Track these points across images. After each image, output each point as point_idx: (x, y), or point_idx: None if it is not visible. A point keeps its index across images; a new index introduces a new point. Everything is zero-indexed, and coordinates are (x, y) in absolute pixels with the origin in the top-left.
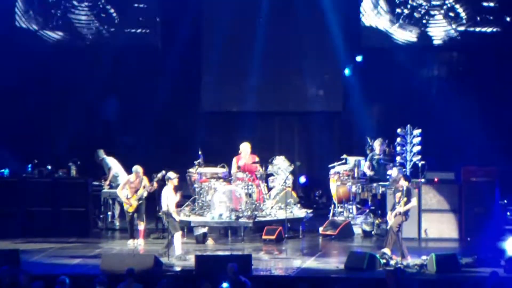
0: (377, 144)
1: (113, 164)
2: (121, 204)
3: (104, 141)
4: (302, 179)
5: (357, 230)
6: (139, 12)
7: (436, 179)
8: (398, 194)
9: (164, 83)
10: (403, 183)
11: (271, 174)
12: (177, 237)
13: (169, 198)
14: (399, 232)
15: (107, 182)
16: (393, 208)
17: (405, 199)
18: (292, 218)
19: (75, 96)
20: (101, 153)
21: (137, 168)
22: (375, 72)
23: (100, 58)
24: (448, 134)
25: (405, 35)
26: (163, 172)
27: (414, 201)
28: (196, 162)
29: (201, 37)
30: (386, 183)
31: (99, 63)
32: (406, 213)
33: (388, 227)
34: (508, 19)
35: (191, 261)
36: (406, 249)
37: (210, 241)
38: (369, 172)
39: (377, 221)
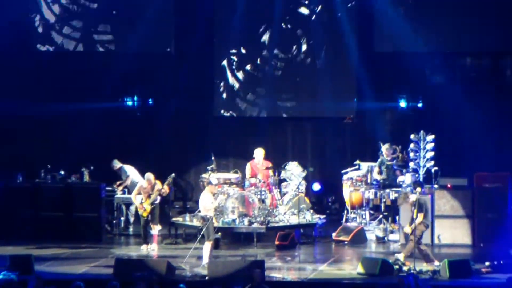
0: (385, 149)
1: (131, 172)
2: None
3: (116, 145)
4: (317, 187)
5: (370, 236)
6: (153, 16)
7: (449, 185)
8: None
9: (177, 87)
10: (412, 198)
11: (284, 180)
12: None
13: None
14: (421, 239)
15: (121, 188)
16: (412, 222)
17: (422, 213)
18: (305, 223)
19: (89, 101)
20: (117, 163)
21: (149, 175)
22: (388, 77)
23: (114, 63)
24: (461, 140)
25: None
26: (173, 175)
27: (420, 216)
28: (209, 168)
29: (214, 41)
30: (398, 188)
31: (113, 68)
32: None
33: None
34: None
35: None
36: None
37: (222, 247)
38: (379, 177)
39: (390, 227)
